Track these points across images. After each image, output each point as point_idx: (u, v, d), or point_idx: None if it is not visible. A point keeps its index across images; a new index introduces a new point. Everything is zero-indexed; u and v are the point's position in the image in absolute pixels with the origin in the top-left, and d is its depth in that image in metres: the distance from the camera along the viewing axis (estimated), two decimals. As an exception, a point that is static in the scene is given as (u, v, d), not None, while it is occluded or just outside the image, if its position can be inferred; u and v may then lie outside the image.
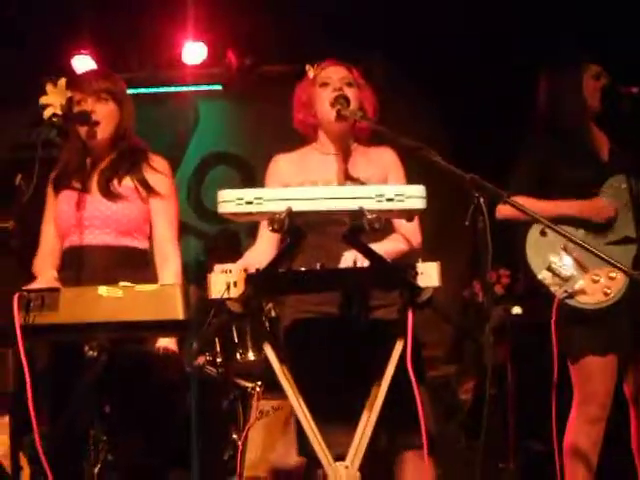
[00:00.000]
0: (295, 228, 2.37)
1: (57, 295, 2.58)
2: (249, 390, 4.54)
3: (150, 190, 3.35)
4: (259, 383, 4.52)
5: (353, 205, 2.41)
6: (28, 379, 2.51)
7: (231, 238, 6.24)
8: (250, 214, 2.38)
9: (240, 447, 4.38)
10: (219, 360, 4.69)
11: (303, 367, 2.90)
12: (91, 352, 2.51)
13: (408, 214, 2.72)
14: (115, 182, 3.34)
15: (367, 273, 2.74)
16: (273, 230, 2.37)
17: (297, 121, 3.47)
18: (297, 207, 2.36)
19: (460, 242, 5.81)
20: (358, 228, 2.43)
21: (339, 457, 2.76)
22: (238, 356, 4.77)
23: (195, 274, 3.41)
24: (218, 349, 4.71)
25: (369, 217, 2.39)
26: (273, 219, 2.34)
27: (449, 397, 5.63)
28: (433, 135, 5.69)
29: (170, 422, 3.33)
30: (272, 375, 4.72)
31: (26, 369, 2.50)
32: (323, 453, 2.76)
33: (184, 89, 6.45)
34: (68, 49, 6.26)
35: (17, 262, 2.73)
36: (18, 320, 2.51)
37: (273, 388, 4.69)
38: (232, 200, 2.36)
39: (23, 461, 3.11)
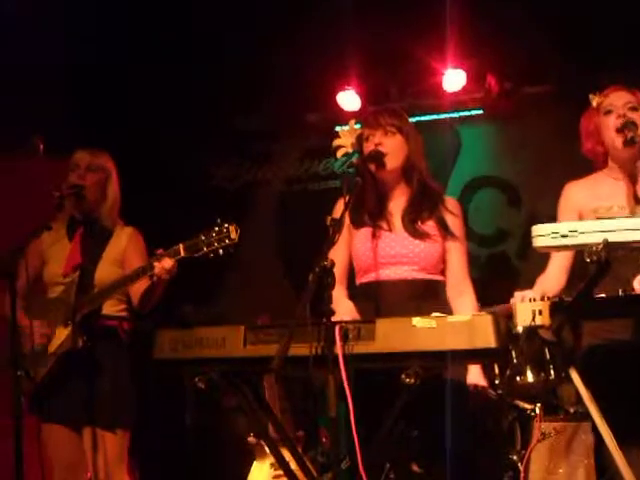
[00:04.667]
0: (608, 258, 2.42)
1: (373, 326, 2.78)
2: (528, 412, 4.59)
3: (447, 231, 3.56)
4: (539, 405, 4.55)
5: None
6: (350, 404, 2.71)
7: (502, 261, 6.30)
8: (565, 247, 2.48)
9: (522, 469, 4.42)
10: (497, 382, 4.76)
11: (600, 390, 2.96)
12: (408, 379, 2.67)
13: None
14: (419, 222, 3.55)
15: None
16: (591, 262, 2.45)
17: (586, 150, 3.56)
18: (613, 238, 2.43)
19: None
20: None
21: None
22: (518, 378, 4.80)
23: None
24: (497, 371, 4.78)
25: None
26: (591, 251, 2.43)
27: None
28: None
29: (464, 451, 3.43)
30: (551, 397, 4.80)
31: (349, 394, 2.71)
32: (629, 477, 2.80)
33: (444, 116, 6.58)
34: (332, 85, 6.53)
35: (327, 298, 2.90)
36: (341, 349, 2.72)
37: (552, 410, 4.75)
38: (547, 234, 2.47)
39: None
